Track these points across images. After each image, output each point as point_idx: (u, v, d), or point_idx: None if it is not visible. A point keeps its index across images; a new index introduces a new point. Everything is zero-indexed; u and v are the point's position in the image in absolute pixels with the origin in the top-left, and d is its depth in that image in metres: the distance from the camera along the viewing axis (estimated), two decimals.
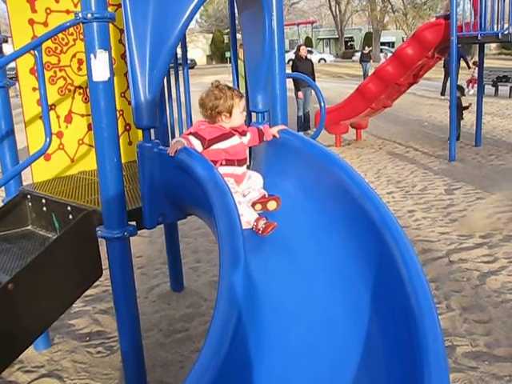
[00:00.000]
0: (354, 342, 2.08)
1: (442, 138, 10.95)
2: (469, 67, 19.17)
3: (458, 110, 10.55)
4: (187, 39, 3.93)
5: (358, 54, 50.45)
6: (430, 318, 1.90)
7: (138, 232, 2.84)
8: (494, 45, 43.64)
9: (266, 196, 2.71)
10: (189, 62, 3.79)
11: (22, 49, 2.62)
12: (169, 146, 2.61)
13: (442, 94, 14.38)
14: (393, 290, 2.09)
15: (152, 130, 2.78)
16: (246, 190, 2.72)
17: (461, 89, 10.79)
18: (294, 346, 2.07)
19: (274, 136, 2.91)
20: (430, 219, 6.27)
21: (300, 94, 11.92)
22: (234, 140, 2.72)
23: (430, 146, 10.71)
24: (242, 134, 2.79)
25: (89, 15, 2.40)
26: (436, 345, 1.82)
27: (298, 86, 11.83)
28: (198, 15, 63.72)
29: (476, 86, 16.39)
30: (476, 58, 22.99)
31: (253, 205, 2.67)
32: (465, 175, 8.26)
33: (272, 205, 2.68)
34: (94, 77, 2.49)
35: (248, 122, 3.23)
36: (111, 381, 3.37)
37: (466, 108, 10.82)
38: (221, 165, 2.66)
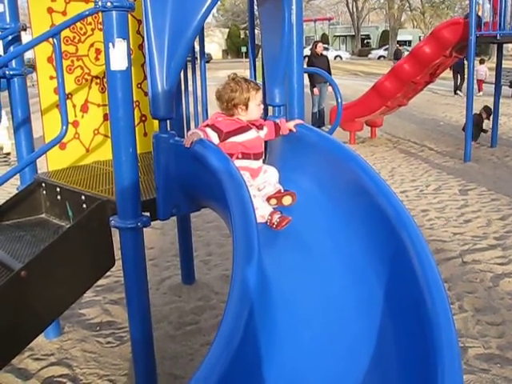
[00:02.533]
0: (366, 340, 2.05)
1: (458, 138, 10.84)
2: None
3: (475, 127, 10.39)
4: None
5: (375, 52, 50.48)
6: (445, 318, 1.87)
7: (151, 223, 2.84)
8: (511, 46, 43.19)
9: (282, 191, 2.69)
10: (205, 56, 3.77)
11: (41, 36, 2.62)
12: (185, 138, 2.60)
13: (455, 92, 13.98)
14: (407, 289, 2.07)
15: (168, 122, 2.77)
16: (261, 185, 2.70)
17: (488, 110, 10.61)
18: (306, 343, 2.05)
19: (290, 130, 2.89)
20: (443, 219, 6.22)
21: (316, 90, 11.88)
22: (251, 134, 2.71)
23: (444, 145, 10.63)
24: (259, 127, 2.77)
25: (108, 4, 2.39)
26: (451, 345, 1.79)
27: (313, 82, 11.78)
28: (214, 9, 63.63)
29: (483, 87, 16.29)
30: (483, 57, 22.84)
31: (268, 199, 2.65)
32: (479, 176, 8.19)
33: (287, 200, 2.66)
34: (112, 66, 2.48)
35: (264, 115, 3.22)
36: (120, 371, 3.37)
37: (484, 131, 10.66)
38: (237, 158, 2.64)
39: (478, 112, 10.68)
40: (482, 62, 20.89)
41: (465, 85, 10.14)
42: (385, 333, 2.06)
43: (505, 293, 4.30)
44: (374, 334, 2.07)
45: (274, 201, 2.66)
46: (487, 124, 10.77)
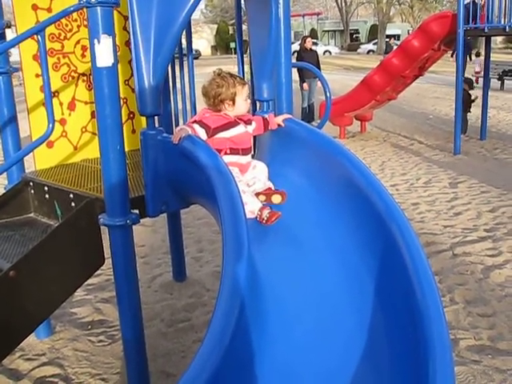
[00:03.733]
0: (358, 334, 2.05)
1: (447, 132, 10.87)
2: (470, 59, 19.14)
3: (465, 103, 10.50)
4: (192, 30, 3.91)
5: (364, 47, 50.51)
6: (436, 311, 1.87)
7: (141, 221, 2.82)
8: (500, 38, 43.41)
9: (272, 189, 2.68)
10: (193, 52, 3.75)
11: (25, 33, 2.59)
12: (173, 134, 2.58)
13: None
14: (398, 282, 2.06)
15: (156, 118, 2.75)
16: (250, 181, 2.69)
17: (469, 82, 10.70)
18: (297, 338, 2.04)
19: (278, 125, 2.88)
20: (434, 212, 6.24)
21: (305, 85, 11.87)
22: (239, 129, 2.69)
23: (434, 139, 10.66)
24: (247, 122, 2.76)
25: (93, 0, 2.37)
26: (441, 337, 1.79)
27: (303, 77, 11.77)
28: (202, 6, 63.54)
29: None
30: (479, 50, 23.02)
31: (257, 195, 2.64)
32: (469, 168, 8.22)
33: (276, 198, 2.63)
34: (98, 62, 2.46)
35: (253, 111, 3.20)
36: (112, 370, 3.36)
37: (473, 101, 10.74)
38: (225, 153, 2.63)
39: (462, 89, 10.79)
40: (478, 54, 21.02)
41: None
42: (376, 326, 2.06)
43: (495, 284, 4.32)
44: (366, 327, 2.07)
45: (262, 197, 2.64)
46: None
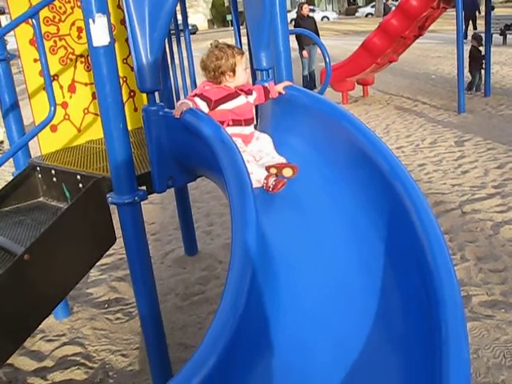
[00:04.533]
0: (369, 296, 2.07)
1: (451, 91, 10.77)
2: (479, 12, 18.92)
3: (475, 60, 10.34)
4: (187, 4, 3.89)
5: (362, 10, 49.79)
6: (446, 269, 1.88)
7: (150, 199, 2.84)
8: None
9: (285, 162, 2.63)
10: (190, 27, 3.73)
11: (19, 18, 2.59)
12: (174, 109, 2.58)
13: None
14: (407, 241, 2.08)
15: (156, 94, 2.75)
16: (256, 155, 2.67)
17: (478, 38, 10.49)
18: (309, 303, 2.07)
19: (279, 93, 2.87)
20: (441, 172, 6.24)
21: (305, 52, 11.75)
22: (241, 100, 2.68)
23: (438, 98, 10.58)
24: (248, 93, 2.75)
25: None
26: (453, 295, 1.81)
27: (301, 44, 11.64)
28: None
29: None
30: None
31: (268, 168, 2.61)
32: (474, 126, 8.17)
33: (288, 172, 2.57)
34: (95, 42, 2.45)
35: (252, 80, 3.19)
36: (132, 345, 3.43)
37: (483, 57, 10.52)
38: (228, 125, 2.62)
39: (471, 45, 10.69)
40: (492, 8, 20.65)
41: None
42: (388, 287, 2.08)
43: (505, 240, 4.33)
44: (377, 288, 2.09)
45: (274, 170, 2.60)
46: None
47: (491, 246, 4.26)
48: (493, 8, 20.88)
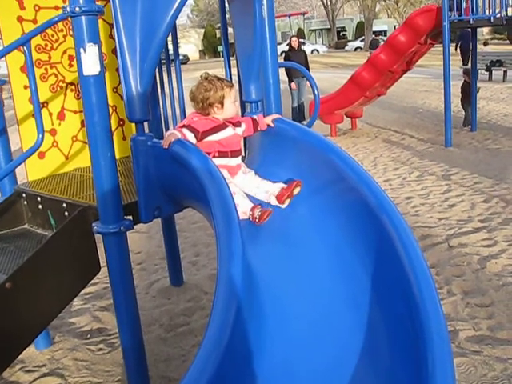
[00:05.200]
0: (355, 330, 2.06)
1: (438, 125, 10.89)
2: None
3: (467, 94, 10.48)
4: (179, 35, 3.92)
5: (351, 44, 50.62)
6: (432, 303, 1.89)
7: (136, 228, 2.82)
8: (486, 30, 43.57)
9: (287, 184, 2.63)
10: (181, 57, 3.77)
11: (11, 45, 2.60)
12: (162, 139, 2.58)
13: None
14: (393, 275, 2.08)
15: (145, 124, 2.75)
16: (251, 191, 2.67)
17: (469, 73, 10.65)
18: (295, 335, 2.05)
19: (268, 125, 2.89)
20: (428, 205, 6.26)
21: (293, 84, 11.86)
22: (228, 131, 2.70)
23: (425, 132, 10.70)
24: (236, 124, 2.76)
25: (77, 9, 2.37)
26: (439, 330, 1.80)
27: (291, 76, 11.77)
28: (189, 10, 63.69)
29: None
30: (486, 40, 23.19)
31: (280, 199, 2.61)
32: (461, 160, 8.25)
33: (297, 190, 2.62)
34: (85, 71, 2.46)
35: (242, 112, 3.21)
36: (113, 377, 3.36)
37: (478, 91, 10.63)
38: (214, 156, 2.62)
39: (463, 80, 10.88)
40: (485, 44, 21.13)
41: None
42: (374, 321, 2.07)
43: (492, 274, 4.33)
44: (363, 322, 2.08)
45: (288, 200, 2.62)
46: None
47: (478, 280, 4.26)
48: (486, 44, 21.35)
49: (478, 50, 10.67)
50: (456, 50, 19.91)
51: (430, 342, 1.77)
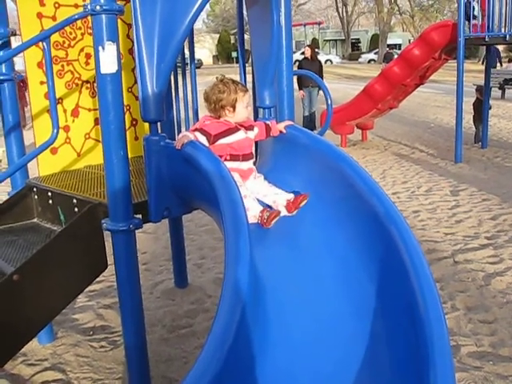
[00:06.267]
0: (358, 338, 2.06)
1: (449, 140, 10.88)
2: (501, 65, 19.46)
3: (479, 112, 10.47)
4: (194, 39, 3.94)
5: (365, 56, 50.70)
6: (436, 316, 1.89)
7: (143, 228, 2.83)
8: (501, 47, 43.46)
9: (293, 200, 2.64)
10: (195, 61, 3.79)
11: (31, 40, 2.63)
12: (175, 141, 2.61)
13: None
14: (399, 287, 2.08)
15: (159, 125, 2.78)
16: (259, 196, 2.69)
17: (481, 90, 10.63)
18: (299, 342, 2.06)
19: (280, 132, 2.91)
20: (435, 220, 6.26)
21: (301, 92, 11.85)
22: (239, 135, 2.71)
23: (436, 147, 10.69)
24: (249, 128, 2.78)
25: (97, 7, 2.40)
26: (442, 343, 1.80)
27: (300, 84, 11.76)
28: (204, 15, 63.94)
29: None
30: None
31: (289, 210, 2.63)
32: (470, 177, 8.24)
33: (304, 203, 2.63)
34: (102, 69, 2.49)
35: (254, 117, 3.23)
36: (114, 375, 3.37)
37: (490, 108, 10.62)
38: (225, 160, 2.64)
39: (475, 97, 10.85)
40: (510, 60, 21.14)
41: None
42: (377, 332, 2.07)
43: (496, 291, 4.32)
44: (366, 332, 2.08)
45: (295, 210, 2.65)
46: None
47: (482, 296, 4.25)
48: (511, 60, 21.31)
49: (502, 67, 10.66)
50: (482, 64, 20.14)
51: (432, 357, 1.76)
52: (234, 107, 2.69)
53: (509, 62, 21.12)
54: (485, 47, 10.49)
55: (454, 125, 9.41)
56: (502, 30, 8.98)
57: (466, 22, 9.04)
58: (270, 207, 2.62)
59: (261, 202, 2.67)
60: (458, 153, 9.24)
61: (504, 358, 3.40)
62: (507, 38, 8.84)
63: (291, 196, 2.63)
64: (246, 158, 2.72)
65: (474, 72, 23.70)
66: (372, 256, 2.27)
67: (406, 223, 2.21)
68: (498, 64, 21.19)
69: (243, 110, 2.73)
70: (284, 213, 2.62)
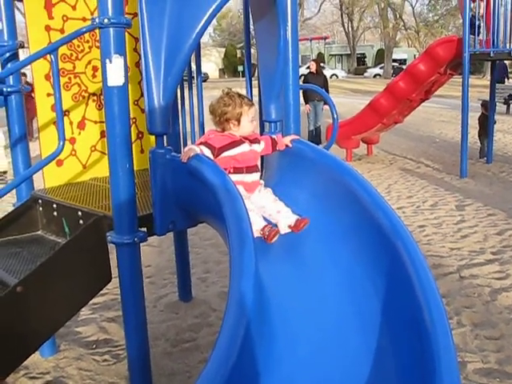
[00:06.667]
0: (364, 353, 2.05)
1: (454, 155, 10.86)
2: (508, 79, 19.59)
3: (483, 127, 10.48)
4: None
5: (370, 71, 50.88)
6: (443, 331, 1.87)
7: (148, 242, 2.83)
8: (506, 63, 43.53)
9: (294, 224, 2.62)
10: (202, 75, 3.80)
11: (39, 52, 2.64)
12: (181, 154, 2.61)
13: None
14: (405, 302, 2.07)
15: (165, 138, 2.78)
16: (259, 209, 2.68)
17: (486, 105, 10.65)
18: (304, 356, 2.05)
19: (286, 145, 2.90)
20: (440, 235, 6.23)
21: (307, 106, 11.89)
22: (244, 147, 2.71)
23: (441, 162, 10.67)
24: (254, 141, 2.78)
25: (105, 20, 2.42)
26: (448, 358, 1.79)
27: (306, 99, 11.80)
28: (211, 29, 64.35)
29: None
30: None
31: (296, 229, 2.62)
32: (476, 192, 8.21)
33: (304, 227, 2.63)
34: (109, 82, 2.50)
35: (260, 131, 3.23)
36: None
37: (495, 122, 10.61)
38: (229, 172, 2.63)
39: (480, 112, 10.87)
40: None
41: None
42: (383, 346, 2.06)
43: (503, 307, 4.29)
44: (372, 347, 2.07)
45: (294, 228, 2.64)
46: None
47: (488, 312, 4.21)
48: None
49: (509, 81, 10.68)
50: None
51: (439, 374, 1.75)
52: (238, 121, 2.69)
53: None
54: (490, 62, 10.50)
55: (459, 140, 9.39)
56: (507, 45, 9.00)
57: (472, 37, 9.06)
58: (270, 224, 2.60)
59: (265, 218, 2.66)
60: (464, 168, 9.22)
61: (510, 375, 3.36)
62: None
63: (293, 220, 2.61)
64: (249, 170, 2.71)
65: (478, 87, 23.76)
66: (378, 270, 2.26)
67: (412, 237, 2.20)
68: (506, 79, 21.26)
69: (248, 123, 2.73)
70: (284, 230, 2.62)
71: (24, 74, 10.66)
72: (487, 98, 10.79)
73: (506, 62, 19.56)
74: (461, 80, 9.06)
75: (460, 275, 4.95)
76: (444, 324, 1.89)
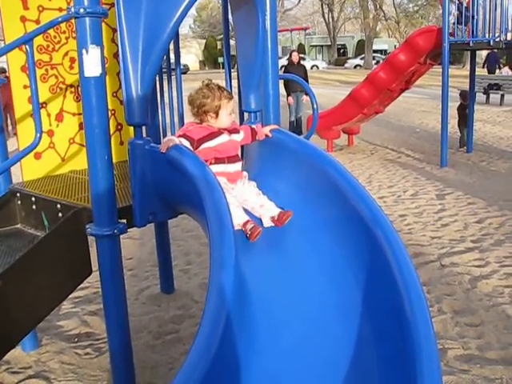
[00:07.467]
0: (346, 343, 2.05)
1: (434, 145, 10.94)
2: (500, 68, 20.35)
3: (461, 117, 10.57)
4: (180, 44, 3.91)
5: (351, 62, 50.97)
6: (423, 319, 1.88)
7: (129, 234, 2.81)
8: (485, 53, 43.97)
9: (277, 217, 2.60)
10: (182, 67, 3.77)
11: (13, 42, 2.60)
12: (160, 144, 2.59)
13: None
14: (385, 290, 2.08)
15: (144, 129, 2.76)
16: (241, 201, 2.66)
17: (464, 95, 10.73)
18: (285, 346, 2.05)
19: (266, 135, 2.89)
20: (421, 224, 6.28)
21: (290, 98, 11.90)
22: (223, 138, 2.69)
23: (421, 151, 10.75)
24: (233, 131, 2.76)
25: (81, 10, 2.38)
26: (429, 346, 1.80)
27: (289, 90, 11.81)
28: (191, 21, 64.00)
29: None
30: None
31: (277, 223, 2.60)
32: (456, 181, 8.29)
33: (287, 220, 2.59)
34: (86, 72, 2.47)
35: (240, 122, 3.22)
36: (99, 382, 3.33)
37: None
38: (210, 163, 2.62)
39: (459, 102, 10.96)
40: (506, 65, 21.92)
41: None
42: (364, 335, 2.06)
43: (483, 294, 4.34)
44: (353, 335, 2.07)
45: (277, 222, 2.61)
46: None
47: (468, 299, 4.26)
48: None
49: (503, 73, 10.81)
50: (483, 68, 21.75)
51: (419, 360, 1.76)
52: (217, 114, 2.67)
53: (510, 68, 21.46)
54: (469, 52, 10.57)
55: (440, 129, 9.46)
56: (486, 35, 9.07)
57: (451, 27, 9.12)
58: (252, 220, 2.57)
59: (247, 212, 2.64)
60: (444, 157, 9.29)
61: (491, 361, 3.40)
62: (491, 43, 8.92)
63: (276, 213, 2.60)
64: (231, 160, 2.70)
65: (458, 77, 23.91)
66: (359, 260, 2.26)
67: (392, 227, 2.21)
68: (498, 69, 21.81)
69: (226, 117, 2.71)
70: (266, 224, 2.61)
71: (4, 70, 10.52)
72: (467, 87, 10.86)
73: (497, 52, 20.15)
74: (441, 70, 9.11)
75: (441, 263, 5.00)
76: (424, 313, 1.90)
